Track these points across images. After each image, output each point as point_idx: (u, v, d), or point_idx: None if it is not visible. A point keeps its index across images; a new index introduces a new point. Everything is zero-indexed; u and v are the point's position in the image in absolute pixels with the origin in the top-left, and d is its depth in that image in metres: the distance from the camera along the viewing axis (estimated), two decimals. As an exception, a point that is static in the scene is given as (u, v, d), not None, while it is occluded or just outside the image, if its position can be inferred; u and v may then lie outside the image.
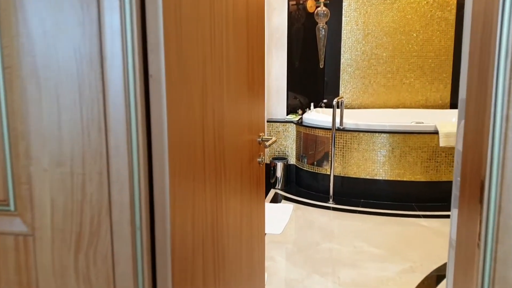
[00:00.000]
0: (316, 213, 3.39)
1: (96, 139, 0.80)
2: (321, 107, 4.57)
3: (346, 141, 3.69)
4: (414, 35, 4.55)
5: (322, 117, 3.93)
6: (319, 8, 4.36)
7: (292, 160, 4.21)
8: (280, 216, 3.24)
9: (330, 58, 4.67)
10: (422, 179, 3.55)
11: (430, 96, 4.63)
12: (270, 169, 4.12)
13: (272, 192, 3.96)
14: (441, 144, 3.43)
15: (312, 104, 4.38)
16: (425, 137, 3.51)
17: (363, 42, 4.62)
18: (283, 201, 3.71)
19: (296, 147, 4.16)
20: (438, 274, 2.43)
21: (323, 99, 4.67)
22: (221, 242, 1.12)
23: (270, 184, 4.11)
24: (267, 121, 4.23)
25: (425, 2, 4.48)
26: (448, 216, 3.28)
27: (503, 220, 0.73)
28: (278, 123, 4.24)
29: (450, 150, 3.51)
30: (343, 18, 4.60)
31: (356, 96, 4.71)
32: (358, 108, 4.70)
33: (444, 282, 2.37)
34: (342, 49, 4.66)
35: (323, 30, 4.41)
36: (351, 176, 3.70)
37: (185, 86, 0.89)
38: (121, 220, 0.82)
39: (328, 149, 3.76)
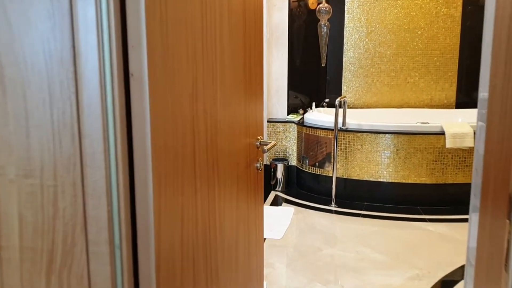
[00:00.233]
0: (318, 217, 3.30)
1: (69, 147, 0.71)
2: (323, 106, 4.47)
3: (348, 142, 3.60)
4: (419, 32, 4.45)
5: (324, 117, 3.84)
6: (321, 5, 4.26)
7: (293, 162, 4.12)
8: (280, 220, 3.15)
9: (332, 57, 4.57)
10: (428, 182, 3.46)
11: (435, 96, 4.54)
12: (270, 171, 4.03)
13: (272, 195, 3.87)
14: (448, 145, 3.34)
15: (313, 104, 4.29)
16: (431, 138, 3.42)
17: (366, 40, 4.52)
18: (283, 204, 3.62)
19: (297, 148, 4.07)
20: (445, 280, 2.34)
21: (325, 99, 4.58)
22: (214, 255, 1.03)
23: (270, 186, 4.02)
24: (268, 121, 4.14)
25: (430, -2, 4.39)
26: (455, 220, 3.19)
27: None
28: (278, 123, 4.15)
29: (456, 152, 3.42)
30: (346, 15, 4.50)
31: (359, 95, 4.61)
32: (361, 107, 4.61)
33: (452, 290, 2.29)
34: (345, 47, 4.57)
35: (325, 27, 4.32)
36: (354, 178, 3.60)
37: (172, 86, 0.80)
38: (98, 238, 0.72)
39: (330, 150, 3.67)
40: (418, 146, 3.43)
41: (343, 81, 4.63)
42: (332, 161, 3.63)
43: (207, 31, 0.93)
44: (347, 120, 3.65)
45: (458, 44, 4.44)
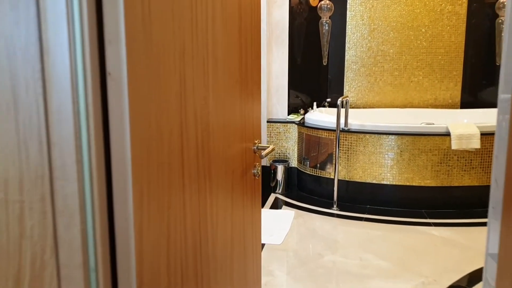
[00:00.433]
0: (319, 221, 3.21)
1: (36, 157, 0.62)
2: (324, 106, 4.39)
3: (351, 143, 3.51)
4: (423, 30, 4.36)
5: (326, 117, 3.75)
6: (322, 2, 4.18)
7: (294, 163, 4.03)
8: (280, 224, 3.07)
9: (334, 55, 4.48)
10: (433, 184, 3.37)
11: (440, 95, 4.45)
12: (270, 172, 3.94)
13: (272, 197, 3.78)
14: (454, 146, 3.25)
15: (314, 104, 4.20)
16: (436, 139, 3.33)
17: (369, 38, 4.44)
18: (283, 207, 3.53)
19: (297, 149, 3.98)
20: (452, 290, 2.26)
21: (327, 98, 4.49)
22: (206, 271, 0.94)
23: (270, 188, 3.94)
24: (267, 122, 4.06)
25: (435, -5, 4.30)
26: (460, 224, 3.10)
27: None
28: (279, 124, 4.06)
29: (462, 153, 3.33)
30: (348, 13, 4.41)
31: (361, 95, 4.53)
32: (364, 107, 4.52)
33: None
34: (347, 45, 4.48)
35: (326, 25, 4.23)
36: (356, 180, 3.52)
37: (156, 86, 0.72)
38: (71, 261, 0.64)
39: (332, 151, 3.58)
40: (423, 147, 3.35)
41: (345, 80, 4.54)
42: (333, 162, 3.55)
43: (197, 26, 0.84)
44: (349, 120, 3.56)
45: (463, 42, 4.35)
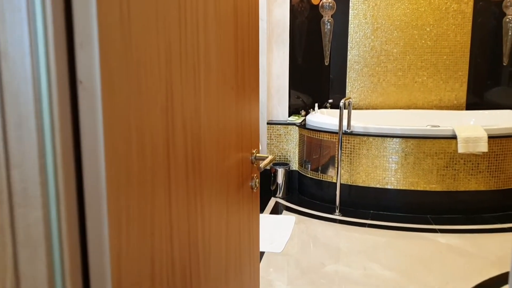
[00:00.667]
0: (321, 227, 3.13)
1: (-7, 180, 0.54)
2: (326, 107, 4.30)
3: (354, 146, 3.42)
4: (428, 29, 4.27)
5: (328, 119, 3.66)
6: (324, 0, 4.08)
7: (295, 166, 3.94)
8: (281, 231, 2.98)
9: (336, 55, 4.39)
10: (438, 189, 3.28)
11: (445, 96, 4.36)
12: (270, 175, 3.85)
13: (272, 201, 3.70)
14: (460, 150, 3.16)
15: (316, 105, 4.11)
16: (442, 142, 3.24)
17: (372, 37, 4.34)
18: (284, 212, 3.44)
19: (298, 151, 3.90)
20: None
21: (328, 99, 4.40)
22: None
23: (270, 192, 3.85)
24: (268, 123, 3.97)
25: (440, -7, 4.21)
26: (467, 231, 3.01)
27: None
28: (279, 125, 3.98)
29: (469, 157, 3.24)
30: (350, 11, 4.32)
31: (364, 95, 4.43)
32: (366, 108, 4.43)
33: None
34: (349, 44, 4.39)
35: (328, 24, 4.14)
36: (359, 184, 3.43)
37: (137, 96, 0.63)
38: (35, 301, 0.55)
39: (334, 154, 3.49)
40: (428, 151, 3.26)
41: (347, 80, 4.45)
42: (336, 166, 3.46)
43: (186, 27, 0.75)
44: (352, 122, 3.48)
45: (469, 42, 4.25)
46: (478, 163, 3.25)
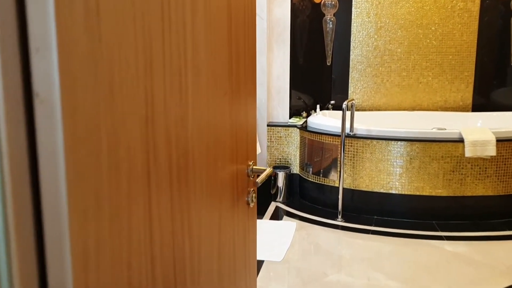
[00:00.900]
0: (323, 234, 3.03)
1: None
2: (328, 109, 4.21)
3: (357, 149, 3.33)
4: (433, 28, 4.18)
5: (330, 121, 3.57)
6: (326, -2, 3.99)
7: (296, 169, 3.85)
8: (281, 238, 2.89)
9: (339, 55, 4.30)
10: (444, 194, 3.19)
11: (450, 97, 4.27)
12: (270, 179, 3.77)
13: (272, 206, 3.61)
14: (467, 154, 3.07)
15: (318, 106, 4.02)
16: (448, 146, 3.15)
17: (375, 36, 4.25)
18: (284, 217, 3.35)
19: (299, 154, 3.81)
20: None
21: (331, 100, 4.31)
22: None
23: (270, 196, 3.76)
24: (268, 125, 3.88)
25: (446, -9, 4.11)
26: (475, 238, 2.92)
27: None
28: (279, 128, 3.88)
29: (476, 161, 3.15)
30: (353, 10, 4.23)
31: (367, 96, 4.34)
32: (369, 110, 4.34)
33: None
34: (352, 44, 4.30)
35: (330, 22, 4.05)
36: (362, 189, 3.34)
37: (107, 109, 0.54)
38: None
39: (336, 158, 3.40)
40: (434, 154, 3.16)
41: (349, 81, 4.36)
42: (338, 170, 3.37)
43: (171, 27, 0.66)
44: (355, 125, 3.39)
45: (476, 41, 4.16)
46: (486, 167, 3.16)
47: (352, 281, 2.37)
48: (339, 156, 3.35)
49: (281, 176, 3.72)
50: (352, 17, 4.26)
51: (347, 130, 3.34)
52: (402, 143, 3.19)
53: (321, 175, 3.53)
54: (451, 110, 4.26)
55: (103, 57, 0.52)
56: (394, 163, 3.22)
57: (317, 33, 4.11)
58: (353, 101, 3.42)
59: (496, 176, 3.17)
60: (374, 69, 4.30)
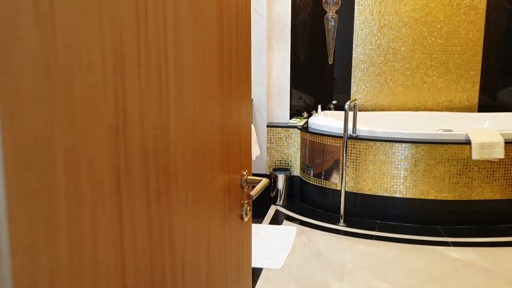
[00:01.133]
0: (324, 239, 2.95)
1: None
2: (329, 109, 4.11)
3: (359, 151, 3.24)
4: (438, 26, 4.08)
5: (331, 122, 3.48)
6: (328, -5, 3.90)
7: (296, 171, 3.76)
8: (280, 244, 2.80)
9: (341, 53, 4.21)
10: (450, 198, 3.10)
11: (455, 97, 4.17)
12: (270, 181, 3.68)
13: (272, 210, 3.52)
14: (475, 156, 2.98)
15: (319, 106, 3.93)
16: (454, 148, 3.06)
17: (379, 34, 4.16)
18: (284, 221, 3.26)
19: (300, 156, 3.72)
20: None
21: (332, 100, 4.22)
22: None
23: (270, 199, 3.67)
24: (267, 126, 3.79)
25: (451, -12, 4.02)
26: (482, 244, 2.83)
27: None
28: (279, 128, 3.80)
29: (484, 164, 3.05)
30: (356, 7, 4.14)
31: (370, 96, 4.25)
32: (372, 110, 4.24)
33: None
34: (354, 42, 4.20)
35: (332, 20, 3.96)
36: (365, 193, 3.25)
37: (64, 119, 0.45)
38: None
39: (338, 160, 3.31)
40: (440, 157, 3.07)
41: (352, 80, 4.27)
42: (340, 172, 3.28)
43: (147, 22, 0.57)
44: (358, 126, 3.30)
45: (482, 40, 4.07)
46: (493, 170, 3.07)
47: (354, 290, 2.28)
48: (341, 158, 3.26)
49: (281, 178, 3.63)
50: (355, 14, 4.16)
51: (350, 131, 3.25)
52: (407, 145, 3.10)
53: (322, 177, 3.44)
54: (457, 111, 4.17)
55: (57, 57, 0.43)
56: (398, 166, 3.13)
57: (319, 31, 4.02)
58: (356, 102, 3.33)
59: (504, 179, 3.08)
60: (377, 68, 4.21)
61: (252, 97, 3.77)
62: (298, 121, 3.84)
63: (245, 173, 0.91)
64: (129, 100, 0.54)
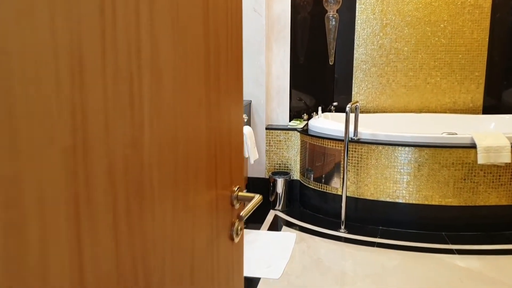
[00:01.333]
0: (324, 246, 2.86)
1: None
2: (330, 111, 4.03)
3: (361, 155, 3.16)
4: (442, 26, 4.00)
5: (332, 125, 3.40)
6: (328, -6, 3.82)
7: (296, 175, 3.68)
8: (279, 252, 2.72)
9: (342, 53, 4.12)
10: (455, 203, 3.02)
11: (459, 99, 4.09)
12: (269, 185, 3.60)
13: (271, 215, 3.44)
14: (480, 161, 2.90)
15: (320, 108, 3.84)
16: (459, 152, 2.98)
17: (381, 34, 4.08)
18: (284, 227, 3.18)
19: (300, 159, 3.63)
20: None
21: (333, 101, 4.13)
22: None
23: (269, 203, 3.59)
24: (266, 129, 3.71)
25: (456, -14, 3.93)
26: (488, 252, 2.75)
27: None
28: (279, 131, 3.71)
29: (489, 168, 2.97)
30: (357, 6, 4.05)
31: (372, 97, 4.16)
32: (374, 112, 4.16)
33: None
34: (356, 42, 4.12)
35: (333, 19, 3.87)
36: (367, 198, 3.16)
37: (6, 136, 0.37)
38: None
39: (339, 164, 3.23)
40: (444, 161, 2.99)
41: (353, 81, 4.18)
42: (341, 177, 3.20)
43: (115, 19, 0.49)
44: (359, 128, 3.21)
45: (487, 40, 3.98)
46: (499, 175, 2.98)
47: (356, 302, 2.20)
48: (342, 162, 3.17)
49: (280, 182, 3.55)
50: (356, 13, 4.08)
51: (351, 134, 3.17)
52: (410, 148, 3.02)
53: (323, 182, 3.36)
54: (461, 112, 4.08)
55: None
56: (401, 170, 3.05)
57: (319, 30, 3.94)
58: (357, 104, 3.25)
59: (510, 184, 2.99)
60: (379, 69, 4.12)
61: (250, 99, 3.68)
62: (298, 123, 3.76)
63: (236, 189, 0.83)
64: (90, 114, 0.46)
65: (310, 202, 3.49)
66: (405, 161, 3.03)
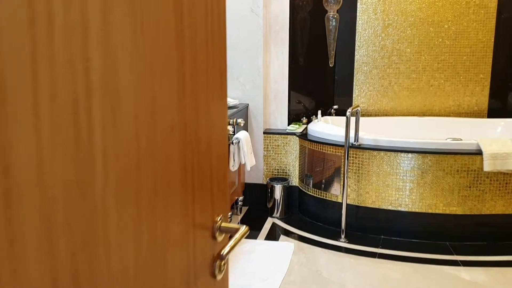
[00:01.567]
0: (324, 257, 2.77)
1: None
2: (330, 114, 3.93)
3: (362, 161, 3.06)
4: (446, 26, 3.90)
5: (332, 130, 3.30)
6: (329, -7, 3.72)
7: (295, 181, 3.58)
8: (276, 263, 2.62)
9: (342, 55, 4.02)
10: (460, 212, 2.92)
11: (464, 102, 3.99)
12: (267, 191, 3.50)
13: (269, 223, 3.34)
14: (486, 168, 2.80)
15: (319, 112, 3.74)
16: (464, 159, 2.88)
17: (383, 35, 3.98)
18: (281, 236, 3.09)
19: (299, 165, 3.54)
20: None
21: (333, 104, 4.03)
22: None
23: (266, 210, 3.49)
24: (264, 133, 3.61)
25: (460, -14, 3.84)
26: (495, 264, 2.65)
27: None
28: (277, 135, 3.62)
29: (496, 175, 2.87)
30: (359, 6, 3.96)
31: (373, 100, 4.07)
32: (376, 115, 4.06)
33: None
34: (357, 43, 4.02)
35: (333, 20, 3.77)
36: (368, 206, 3.07)
37: None
38: None
39: (339, 170, 3.13)
40: (449, 168, 2.89)
41: (354, 83, 4.09)
42: (341, 184, 3.10)
43: (54, 29, 0.39)
44: (360, 133, 3.12)
45: (493, 41, 3.88)
46: (506, 183, 2.89)
47: (356, 319, 2.11)
48: (342, 169, 3.08)
49: (278, 189, 3.46)
50: (357, 14, 3.98)
51: (351, 139, 3.07)
52: (413, 155, 2.92)
53: (322, 188, 3.26)
54: (465, 116, 3.98)
55: None
56: (404, 177, 2.95)
57: (319, 31, 3.84)
58: (358, 108, 3.15)
59: (518, 192, 2.90)
60: (381, 71, 4.02)
61: (247, 102, 3.59)
62: (297, 128, 3.67)
63: (219, 218, 0.73)
64: (16, 155, 0.36)
65: (309, 210, 3.40)
66: (408, 168, 2.94)
